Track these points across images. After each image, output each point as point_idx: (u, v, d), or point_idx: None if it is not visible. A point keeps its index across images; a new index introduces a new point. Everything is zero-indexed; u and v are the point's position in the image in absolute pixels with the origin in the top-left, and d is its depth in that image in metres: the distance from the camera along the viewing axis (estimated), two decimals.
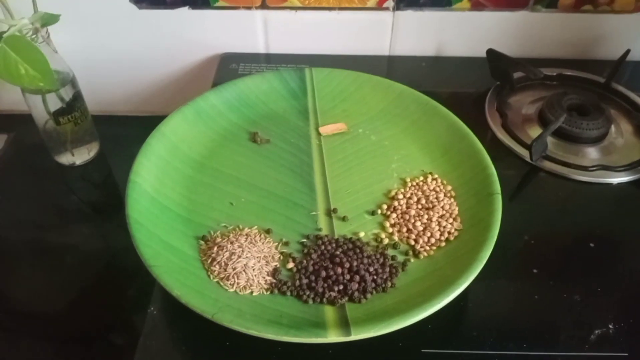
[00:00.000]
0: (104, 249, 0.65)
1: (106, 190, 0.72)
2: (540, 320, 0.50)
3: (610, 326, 0.50)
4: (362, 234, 0.54)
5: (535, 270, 0.54)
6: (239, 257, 0.49)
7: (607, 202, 0.63)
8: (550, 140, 0.67)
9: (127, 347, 0.55)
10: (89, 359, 0.56)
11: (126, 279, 0.61)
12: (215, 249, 0.50)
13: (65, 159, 0.70)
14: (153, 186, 0.55)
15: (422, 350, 0.47)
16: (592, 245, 0.57)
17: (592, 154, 0.68)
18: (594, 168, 0.64)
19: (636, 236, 0.59)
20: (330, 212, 0.56)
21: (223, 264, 0.49)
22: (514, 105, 0.75)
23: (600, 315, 0.50)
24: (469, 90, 0.77)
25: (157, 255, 0.48)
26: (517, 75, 0.76)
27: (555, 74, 0.79)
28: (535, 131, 0.70)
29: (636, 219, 0.61)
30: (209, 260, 0.49)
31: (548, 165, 0.65)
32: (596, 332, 0.49)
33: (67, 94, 0.64)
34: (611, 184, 0.63)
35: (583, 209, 0.62)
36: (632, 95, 0.75)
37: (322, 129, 0.65)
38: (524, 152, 0.66)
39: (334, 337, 0.43)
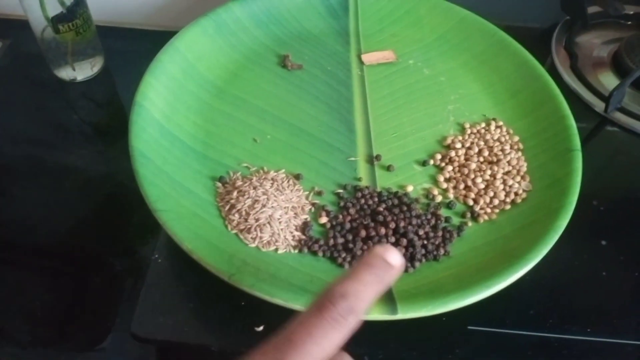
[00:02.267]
0: (105, 175, 0.58)
1: (110, 111, 0.65)
2: (608, 301, 0.45)
3: None
4: (410, 188, 0.45)
5: (603, 242, 0.48)
6: (264, 206, 0.41)
7: None
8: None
9: (128, 292, 0.49)
10: (82, 301, 0.49)
11: (129, 213, 0.53)
12: (235, 194, 0.41)
13: (66, 73, 0.63)
14: (163, 112, 0.46)
15: (469, 327, 0.42)
16: None
17: None
18: None
19: None
20: (372, 159, 0.47)
21: (244, 212, 0.40)
22: (584, 45, 0.66)
23: None
24: (533, 24, 0.68)
25: (164, 197, 0.40)
26: (591, 10, 0.67)
27: (633, 12, 0.69)
28: (607, 77, 0.62)
29: None
30: (227, 207, 0.41)
31: (622, 118, 0.58)
32: None
33: None
34: None
35: None
36: None
37: (365, 57, 0.55)
38: (594, 101, 0.59)
39: (376, 314, 0.35)
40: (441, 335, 0.41)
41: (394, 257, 0.27)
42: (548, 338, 0.42)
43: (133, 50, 0.69)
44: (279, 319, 0.40)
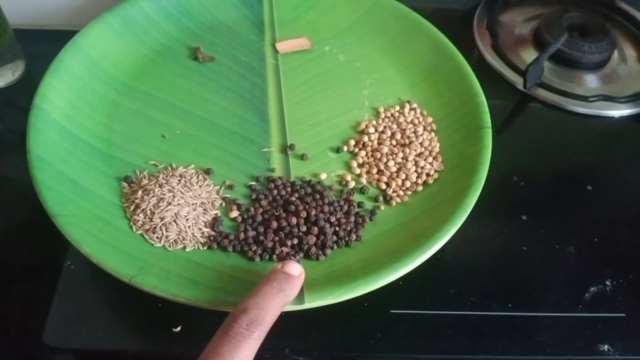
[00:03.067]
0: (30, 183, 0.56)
1: None
2: (528, 275, 0.45)
3: (607, 283, 0.45)
4: (323, 176, 0.44)
5: (524, 217, 0.49)
6: (169, 203, 0.39)
7: (608, 138, 0.57)
8: (545, 65, 0.61)
9: (41, 303, 0.47)
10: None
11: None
12: (140, 193, 0.40)
13: None
14: (65, 113, 0.44)
15: (391, 311, 0.42)
16: (589, 188, 0.52)
17: (592, 82, 0.62)
18: (594, 98, 0.58)
19: (639, 178, 0.52)
20: (286, 149, 0.46)
21: (149, 212, 0.39)
22: (506, 23, 0.67)
23: (596, 270, 0.46)
24: (454, 5, 0.68)
25: (65, 202, 0.38)
26: None
27: None
28: (529, 54, 0.63)
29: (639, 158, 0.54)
30: (132, 207, 0.40)
31: (543, 94, 0.59)
32: (591, 289, 0.45)
33: None
34: (613, 117, 0.58)
35: (580, 145, 0.56)
36: None
37: (279, 45, 0.54)
38: (515, 78, 0.59)
39: None
40: (364, 320, 0.41)
41: (292, 268, 0.31)
42: (469, 316, 0.42)
43: (55, 52, 0.66)
44: (196, 318, 0.39)
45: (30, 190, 0.54)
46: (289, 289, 0.31)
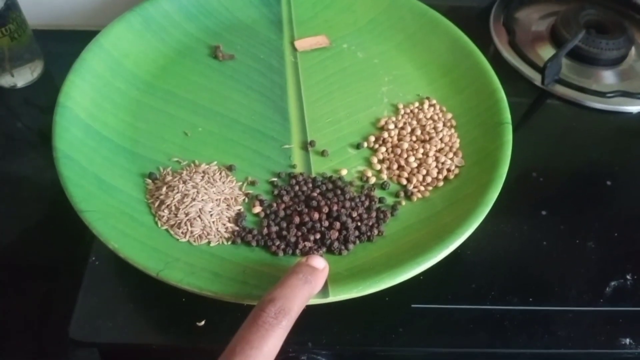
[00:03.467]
0: (54, 181, 0.56)
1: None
2: (549, 270, 0.45)
3: (628, 277, 0.45)
4: (344, 172, 0.45)
5: (544, 213, 0.49)
6: (193, 199, 0.40)
7: (627, 133, 0.57)
8: (563, 62, 0.61)
9: (66, 299, 0.48)
10: (20, 307, 0.48)
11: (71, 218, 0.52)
12: (165, 189, 0.41)
13: (5, 80, 0.61)
14: (89, 111, 0.45)
15: (413, 306, 0.42)
16: (609, 183, 0.52)
17: (610, 78, 0.62)
18: (612, 94, 0.58)
19: None
20: (306, 146, 0.46)
21: (173, 208, 0.40)
22: (522, 20, 0.67)
23: (616, 265, 0.46)
24: (471, 3, 0.68)
25: (90, 198, 0.39)
26: None
27: None
28: (546, 51, 0.63)
29: None
30: (157, 204, 0.40)
31: (561, 90, 0.59)
32: (612, 284, 0.45)
33: None
34: (631, 112, 0.58)
35: (599, 141, 0.56)
36: None
37: (298, 43, 0.54)
38: (533, 75, 0.59)
39: None
40: (385, 315, 0.41)
41: (317, 261, 0.32)
42: (490, 310, 0.42)
43: (74, 52, 0.66)
44: (219, 313, 0.40)
45: (49, 188, 0.56)
46: (314, 281, 0.32)
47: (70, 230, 0.51)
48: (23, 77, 0.62)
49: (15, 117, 0.63)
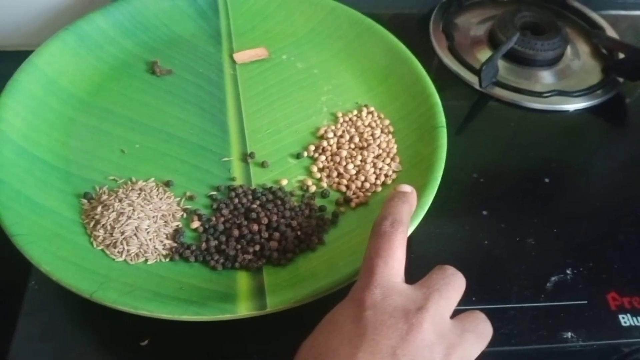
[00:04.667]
0: None
1: None
2: (490, 269, 0.46)
3: (568, 271, 0.46)
4: (284, 182, 0.45)
5: (485, 212, 0.49)
6: (129, 217, 0.39)
7: (563, 131, 0.58)
8: (501, 64, 0.62)
9: (6, 324, 0.46)
10: None
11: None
12: (100, 208, 0.40)
13: None
14: (21, 132, 0.44)
15: None
16: (547, 180, 0.52)
17: (546, 78, 0.63)
18: (549, 94, 0.59)
19: (595, 169, 0.55)
20: (246, 157, 0.46)
21: (109, 227, 0.39)
22: (461, 25, 0.68)
23: (556, 260, 0.46)
24: (411, 10, 0.69)
25: (22, 221, 0.38)
26: None
27: None
28: (485, 54, 0.64)
29: (594, 149, 0.57)
30: (92, 224, 0.40)
31: (499, 92, 0.60)
32: (553, 279, 0.45)
33: None
34: (567, 111, 0.59)
35: (537, 140, 0.57)
36: (590, 13, 0.70)
37: (237, 56, 0.54)
38: (472, 79, 0.60)
39: (244, 311, 0.35)
40: None
41: (405, 187, 0.36)
42: None
43: (6, 73, 0.65)
44: (163, 331, 0.39)
45: None
46: (409, 200, 0.35)
47: (12, 254, 0.50)
48: None
49: None
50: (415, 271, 0.44)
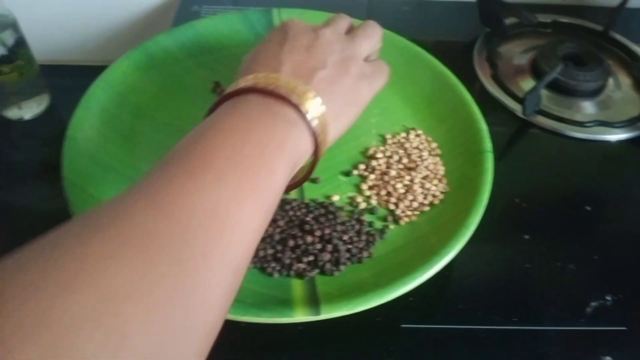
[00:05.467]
0: (62, 209, 0.58)
1: (58, 147, 0.66)
2: (531, 291, 0.47)
3: (608, 297, 0.47)
4: (336, 198, 0.47)
5: (526, 237, 0.51)
6: None
7: (605, 161, 0.59)
8: (543, 93, 0.64)
9: None
10: None
11: None
12: None
13: (12, 113, 0.64)
14: (95, 143, 0.48)
15: (402, 326, 0.44)
16: (588, 208, 0.54)
17: (588, 108, 0.64)
18: (591, 124, 0.61)
19: (635, 199, 0.56)
20: None
21: None
22: (505, 54, 0.70)
23: (596, 286, 0.47)
24: (455, 38, 0.72)
25: None
26: (508, 21, 0.71)
27: (550, 20, 0.74)
28: (528, 83, 0.66)
29: (635, 179, 0.58)
30: None
31: (541, 120, 0.61)
32: (592, 304, 0.46)
33: (8, 39, 0.58)
34: (609, 141, 0.60)
35: (579, 168, 0.58)
36: (632, 45, 0.71)
37: None
38: (515, 106, 0.62)
39: (300, 316, 0.37)
40: (376, 334, 0.43)
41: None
42: (475, 330, 0.44)
43: (79, 86, 0.69)
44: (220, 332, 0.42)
45: (46, 218, 0.58)
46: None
47: None
48: (30, 110, 0.64)
49: (20, 148, 0.66)
50: (459, 291, 0.46)
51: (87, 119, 0.49)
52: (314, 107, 0.34)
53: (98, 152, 0.47)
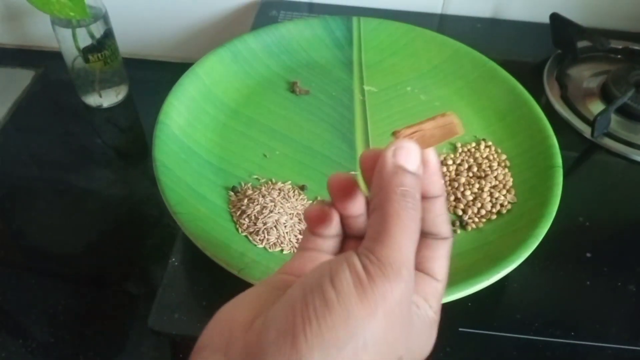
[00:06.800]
0: (126, 195, 0.63)
1: (132, 135, 0.71)
2: (591, 308, 0.47)
3: None
4: None
5: (588, 255, 0.51)
6: (271, 211, 0.45)
7: None
8: (612, 117, 0.63)
9: (144, 296, 0.53)
10: (103, 304, 0.53)
11: (148, 227, 0.59)
12: (246, 201, 0.46)
13: (93, 100, 0.69)
14: (183, 129, 0.51)
15: (460, 329, 0.45)
16: None
17: None
18: None
19: None
20: None
21: (253, 217, 0.45)
22: (574, 77, 0.70)
23: None
24: (526, 58, 0.73)
25: (183, 202, 0.44)
26: (581, 44, 0.71)
27: (621, 47, 0.74)
28: (596, 106, 0.66)
29: None
30: (238, 213, 0.46)
31: (609, 143, 0.61)
32: None
33: (98, 30, 0.62)
34: None
35: None
36: None
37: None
38: (583, 127, 0.62)
39: None
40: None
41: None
42: (533, 340, 0.44)
43: (154, 80, 0.74)
44: None
45: (125, 200, 0.62)
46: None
47: (135, 240, 0.57)
48: (109, 98, 0.69)
49: (96, 133, 0.71)
50: (518, 301, 0.47)
51: (176, 107, 0.52)
52: None
53: (185, 138, 0.51)
